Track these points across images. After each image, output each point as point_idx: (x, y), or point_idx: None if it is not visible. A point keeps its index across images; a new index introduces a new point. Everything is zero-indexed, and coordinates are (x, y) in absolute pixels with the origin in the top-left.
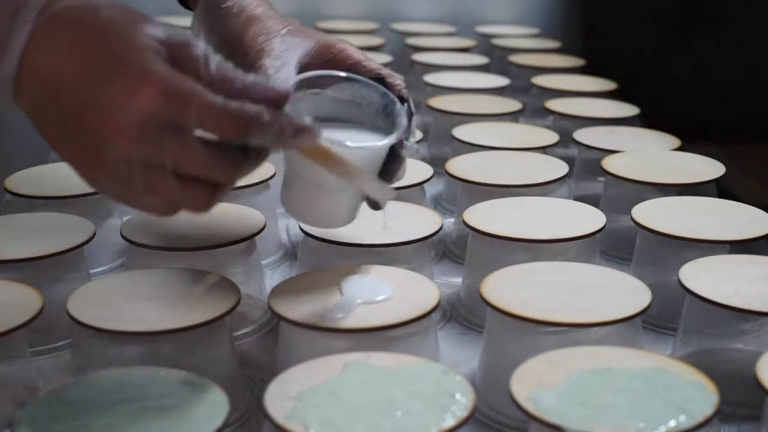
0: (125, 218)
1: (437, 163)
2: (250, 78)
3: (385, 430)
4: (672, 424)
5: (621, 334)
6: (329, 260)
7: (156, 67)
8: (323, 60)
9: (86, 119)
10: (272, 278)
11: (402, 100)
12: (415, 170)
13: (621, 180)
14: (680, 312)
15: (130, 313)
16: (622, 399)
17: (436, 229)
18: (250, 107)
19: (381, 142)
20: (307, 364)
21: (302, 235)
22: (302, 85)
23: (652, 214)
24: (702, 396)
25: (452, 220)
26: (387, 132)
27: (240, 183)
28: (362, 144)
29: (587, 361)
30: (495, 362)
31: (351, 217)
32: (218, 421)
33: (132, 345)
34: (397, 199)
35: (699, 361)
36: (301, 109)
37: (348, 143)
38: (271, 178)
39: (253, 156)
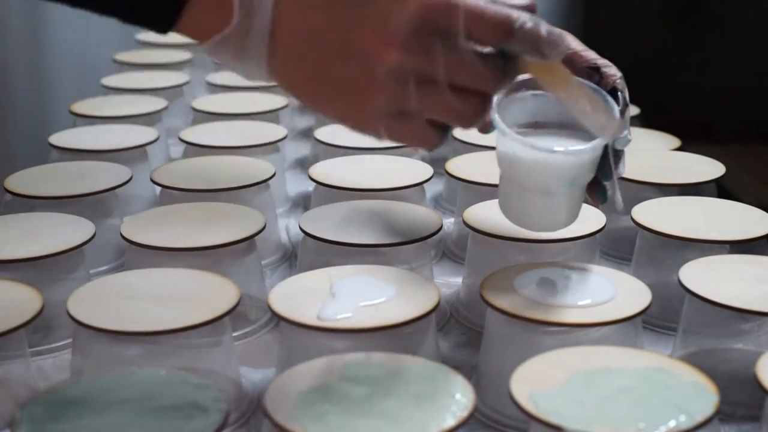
0: (125, 218)
1: (437, 163)
2: None
3: (385, 430)
4: (672, 424)
5: (621, 334)
6: (329, 260)
7: None
8: None
9: (350, 45)
10: (272, 278)
11: (616, 91)
12: (415, 170)
13: (621, 180)
14: (680, 312)
15: (130, 313)
16: (622, 399)
17: (436, 229)
18: (513, 11)
19: (588, 145)
20: (307, 364)
21: (302, 235)
22: (521, 86)
23: (652, 214)
24: (702, 396)
25: (452, 220)
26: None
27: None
28: (573, 148)
29: (587, 361)
30: (495, 362)
31: (569, 219)
32: (218, 421)
33: (132, 345)
34: (398, 199)
35: (699, 361)
36: (519, 112)
37: (557, 148)
38: (271, 178)
39: (511, 65)
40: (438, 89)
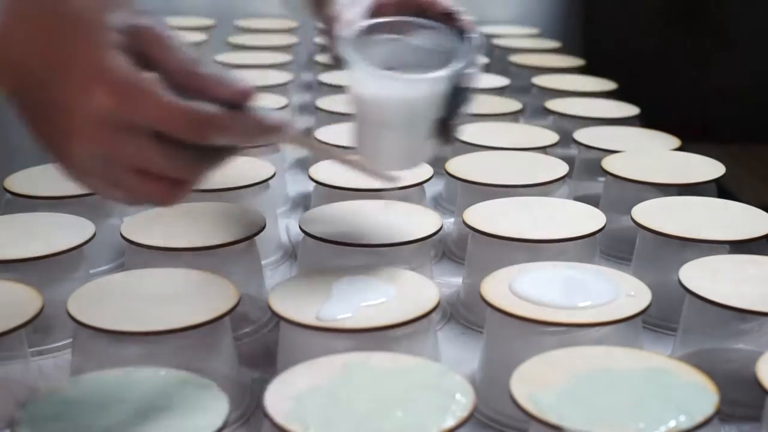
0: (125, 218)
1: (437, 163)
2: (209, 75)
3: (385, 430)
4: (672, 424)
5: (621, 334)
6: (329, 260)
7: (112, 63)
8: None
9: (53, 115)
10: (272, 278)
11: (469, 36)
12: (415, 170)
13: (621, 180)
14: (680, 312)
15: (130, 313)
16: (622, 399)
17: (436, 229)
18: (205, 109)
19: (434, 75)
20: (307, 364)
21: (302, 235)
22: (376, 29)
23: (652, 214)
24: (702, 396)
25: (452, 220)
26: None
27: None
28: (416, 76)
29: (587, 361)
30: (495, 362)
31: (416, 156)
32: (218, 421)
33: (132, 345)
34: (397, 199)
35: (699, 361)
36: (374, 55)
37: (400, 76)
38: (271, 178)
39: (218, 154)
40: (126, 174)
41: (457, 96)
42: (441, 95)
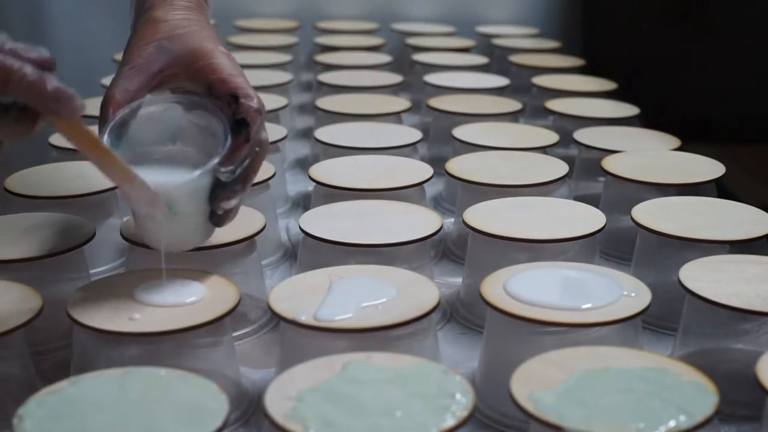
0: (125, 218)
1: (437, 163)
2: (15, 44)
3: (385, 430)
4: (672, 424)
5: (621, 334)
6: (329, 260)
7: None
8: (190, 70)
9: None
10: (272, 278)
11: (246, 123)
12: (415, 170)
13: (621, 180)
14: (680, 312)
15: (130, 313)
16: (622, 399)
17: (436, 229)
18: (16, 62)
19: (185, 178)
20: (307, 364)
21: (302, 234)
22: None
23: (652, 214)
24: (702, 396)
25: (452, 220)
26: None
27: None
28: (169, 181)
29: (587, 361)
30: (494, 362)
31: (191, 240)
32: (218, 421)
33: (132, 345)
34: (398, 199)
35: (699, 361)
36: (158, 128)
37: (157, 180)
38: (271, 178)
39: (18, 116)
40: None
41: (218, 188)
42: (200, 189)
